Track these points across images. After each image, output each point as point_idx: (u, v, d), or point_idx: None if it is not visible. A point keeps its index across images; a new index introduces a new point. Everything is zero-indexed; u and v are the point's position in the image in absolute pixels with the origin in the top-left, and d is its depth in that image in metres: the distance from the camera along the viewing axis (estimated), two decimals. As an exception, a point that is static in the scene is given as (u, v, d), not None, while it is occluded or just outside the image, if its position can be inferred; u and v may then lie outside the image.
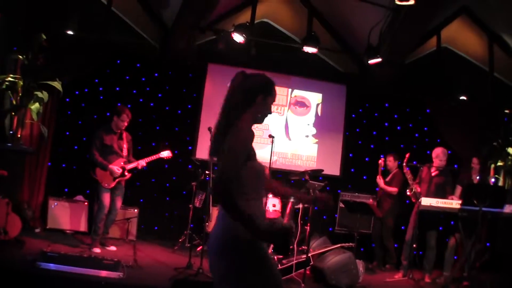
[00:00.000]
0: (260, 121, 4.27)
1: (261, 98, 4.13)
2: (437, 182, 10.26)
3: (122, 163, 9.59)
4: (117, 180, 9.52)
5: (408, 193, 10.58)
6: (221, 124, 4.21)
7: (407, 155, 10.73)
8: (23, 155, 10.30)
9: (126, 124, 9.68)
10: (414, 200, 10.41)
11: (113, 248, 9.53)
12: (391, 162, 11.49)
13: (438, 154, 10.49)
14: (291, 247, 4.37)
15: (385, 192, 11.28)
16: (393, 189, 11.17)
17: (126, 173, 9.64)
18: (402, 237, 11.01)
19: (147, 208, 12.11)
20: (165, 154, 10.10)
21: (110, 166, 9.42)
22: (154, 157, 9.88)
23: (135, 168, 9.76)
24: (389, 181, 11.32)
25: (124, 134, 9.86)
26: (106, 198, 9.48)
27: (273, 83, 4.23)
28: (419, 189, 10.35)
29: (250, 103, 4.09)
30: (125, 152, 9.74)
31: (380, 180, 11.30)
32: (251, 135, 4.01)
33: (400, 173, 11.29)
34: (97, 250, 9.25)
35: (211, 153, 4.07)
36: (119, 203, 9.81)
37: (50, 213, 11.02)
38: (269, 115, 4.30)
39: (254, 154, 4.00)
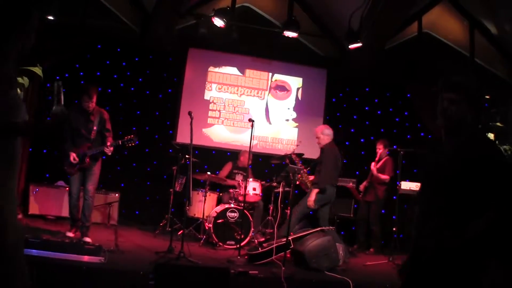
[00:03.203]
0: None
1: None
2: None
3: (86, 148, 9.10)
4: (78, 167, 9.10)
5: (297, 183, 10.65)
6: None
7: (294, 148, 10.82)
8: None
9: (90, 105, 9.14)
10: (303, 187, 10.40)
11: (87, 239, 8.98)
12: (381, 149, 11.54)
13: (315, 133, 10.31)
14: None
15: (377, 179, 11.32)
16: (386, 177, 11.24)
17: (87, 160, 9.09)
18: (386, 221, 11.23)
19: (128, 192, 12.12)
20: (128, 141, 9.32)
21: (70, 153, 9.01)
22: (119, 142, 9.22)
23: (104, 154, 9.20)
24: (380, 168, 11.35)
25: (95, 116, 9.29)
26: (73, 184, 9.21)
27: None
28: (311, 178, 10.33)
29: None
30: (93, 135, 9.24)
31: (374, 168, 11.35)
32: None
33: (390, 160, 11.36)
34: (69, 234, 9.18)
35: None
36: (91, 188, 9.24)
37: (31, 199, 11.01)
38: None
39: None
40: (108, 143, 9.01)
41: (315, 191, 9.61)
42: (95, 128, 9.18)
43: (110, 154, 9.08)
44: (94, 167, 9.22)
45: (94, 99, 9.13)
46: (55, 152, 11.68)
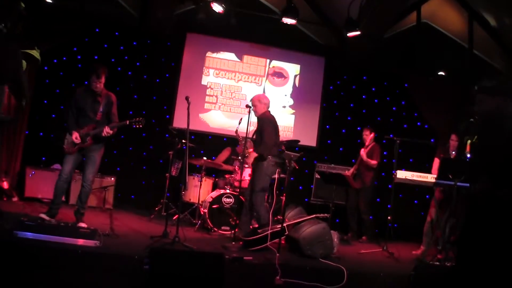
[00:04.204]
0: None
1: None
2: None
3: (91, 129, 8.93)
4: (77, 147, 8.91)
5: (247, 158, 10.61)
6: None
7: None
8: (1, 124, 10.19)
9: (98, 85, 8.93)
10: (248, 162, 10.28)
11: (82, 225, 8.77)
12: (367, 135, 11.54)
13: (252, 101, 10.00)
14: None
15: (365, 165, 11.35)
16: (374, 162, 11.27)
17: (88, 139, 8.91)
18: (380, 210, 11.30)
19: (124, 176, 12.15)
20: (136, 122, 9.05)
21: (73, 131, 8.86)
22: (121, 123, 9.04)
23: (100, 135, 8.93)
24: (368, 154, 11.35)
25: (103, 97, 9.10)
26: (66, 164, 8.98)
27: None
28: (250, 150, 10.00)
29: None
30: (99, 117, 9.02)
31: (364, 153, 11.35)
32: None
33: (377, 146, 11.39)
34: (42, 216, 8.73)
35: None
36: (90, 177, 9.07)
37: (27, 182, 11.02)
38: None
39: None
40: (108, 126, 8.84)
41: (253, 154, 9.53)
42: (101, 109, 9.02)
43: (105, 135, 8.85)
44: (95, 154, 9.06)
45: (103, 80, 8.97)
46: (51, 135, 11.67)
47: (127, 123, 8.92)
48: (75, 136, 8.81)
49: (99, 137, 8.96)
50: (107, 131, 8.84)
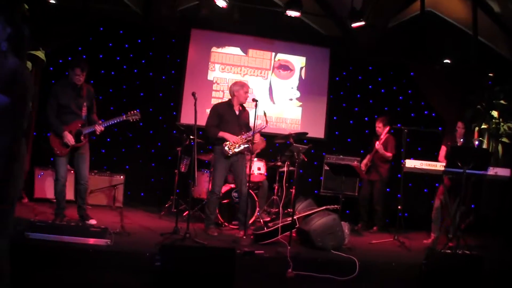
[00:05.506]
0: None
1: None
2: None
3: (79, 126, 8.75)
4: (71, 147, 8.70)
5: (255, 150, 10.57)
6: None
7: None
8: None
9: (81, 78, 8.71)
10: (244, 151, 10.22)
11: (93, 221, 8.94)
12: (381, 128, 11.48)
13: (247, 88, 10.00)
14: None
15: (380, 158, 11.31)
16: (389, 154, 11.25)
17: (82, 139, 8.76)
18: (390, 200, 11.38)
19: (133, 174, 12.16)
20: (132, 116, 9.03)
21: (65, 132, 8.60)
22: (117, 119, 8.93)
23: (93, 133, 8.87)
24: (382, 146, 11.30)
25: (84, 90, 8.89)
26: (61, 166, 8.78)
27: None
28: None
29: None
30: (84, 112, 8.85)
31: (380, 146, 11.28)
32: None
33: (392, 138, 11.34)
34: None
35: None
36: (84, 170, 8.96)
37: (36, 183, 11.07)
38: None
39: None
40: (99, 125, 8.78)
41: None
42: (85, 104, 8.86)
43: (99, 133, 8.80)
44: (85, 151, 8.93)
45: (85, 73, 8.78)
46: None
47: (124, 118, 8.90)
48: (70, 138, 8.62)
49: (88, 134, 8.85)
50: (100, 129, 8.78)
